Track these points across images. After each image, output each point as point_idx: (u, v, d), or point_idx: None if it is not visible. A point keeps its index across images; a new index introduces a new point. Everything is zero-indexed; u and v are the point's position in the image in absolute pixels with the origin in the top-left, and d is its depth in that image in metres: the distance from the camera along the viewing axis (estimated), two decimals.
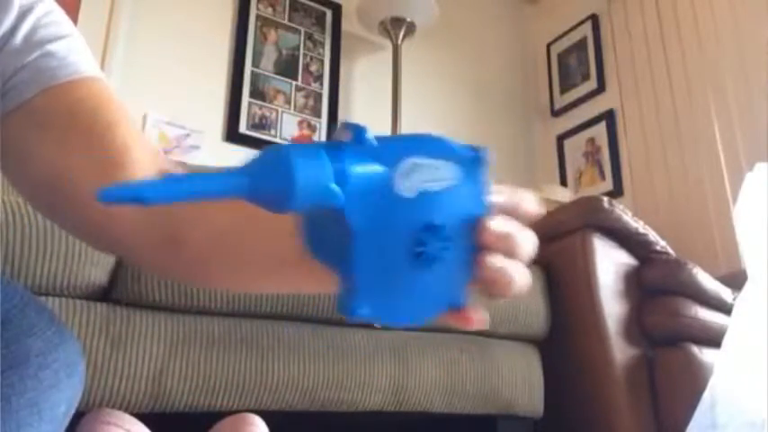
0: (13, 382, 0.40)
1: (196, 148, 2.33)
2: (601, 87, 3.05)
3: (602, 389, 1.38)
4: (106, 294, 1.01)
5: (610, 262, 1.46)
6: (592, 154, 3.03)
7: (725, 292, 1.53)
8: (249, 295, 1.09)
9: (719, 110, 2.52)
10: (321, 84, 2.72)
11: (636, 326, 1.44)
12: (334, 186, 0.28)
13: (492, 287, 0.33)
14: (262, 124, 2.52)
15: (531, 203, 0.35)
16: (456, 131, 3.03)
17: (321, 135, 2.65)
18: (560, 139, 3.20)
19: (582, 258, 1.43)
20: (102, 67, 2.20)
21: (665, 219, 2.54)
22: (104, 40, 2.24)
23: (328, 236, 0.32)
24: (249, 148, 2.45)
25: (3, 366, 0.40)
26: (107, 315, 0.99)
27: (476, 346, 1.30)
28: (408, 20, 2.71)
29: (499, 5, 3.46)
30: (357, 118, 2.79)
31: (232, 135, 2.44)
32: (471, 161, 0.33)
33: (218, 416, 0.98)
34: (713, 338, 1.38)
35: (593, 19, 3.17)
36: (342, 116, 2.74)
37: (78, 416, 0.85)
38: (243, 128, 2.47)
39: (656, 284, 1.47)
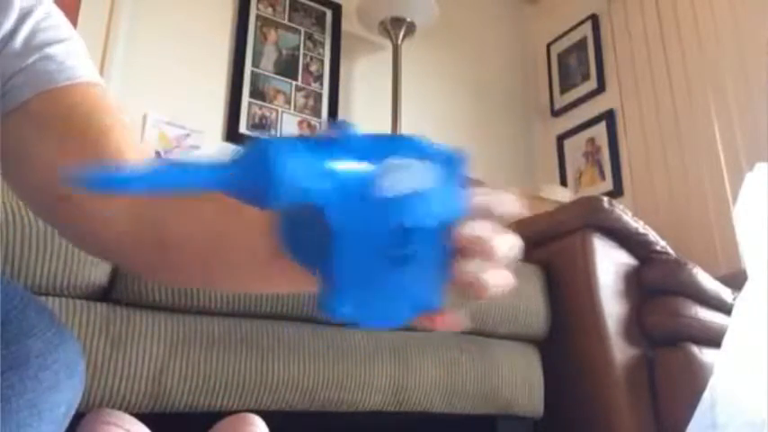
0: (13, 382, 0.40)
1: (196, 148, 2.33)
2: (601, 87, 3.05)
3: (602, 389, 1.38)
4: (106, 294, 1.01)
5: (610, 262, 1.46)
6: (592, 154, 3.03)
7: (725, 292, 1.53)
8: (249, 295, 1.09)
9: (719, 110, 2.52)
10: (321, 84, 2.72)
11: (636, 326, 1.44)
12: (314, 183, 0.29)
13: (466, 290, 0.33)
14: (262, 124, 2.52)
15: (511, 204, 0.34)
16: (456, 131, 3.03)
17: None
18: (560, 139, 3.20)
19: (582, 258, 1.43)
20: (102, 67, 2.20)
21: (665, 219, 2.54)
22: (104, 40, 2.24)
23: (306, 234, 0.32)
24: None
25: (3, 367, 0.40)
26: (107, 315, 0.99)
27: (476, 346, 1.30)
28: (408, 20, 2.71)
29: (499, 5, 3.46)
30: (357, 118, 2.79)
31: (232, 135, 2.44)
32: (449, 163, 0.33)
33: (218, 416, 0.98)
34: (713, 338, 1.38)
35: (593, 19, 3.17)
36: (342, 116, 2.74)
37: (78, 416, 0.85)
38: (243, 128, 2.47)
39: (656, 284, 1.47)
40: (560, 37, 3.32)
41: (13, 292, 0.44)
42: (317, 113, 2.67)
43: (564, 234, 1.48)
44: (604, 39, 3.11)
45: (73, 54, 0.53)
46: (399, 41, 2.74)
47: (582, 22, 3.22)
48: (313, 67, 2.73)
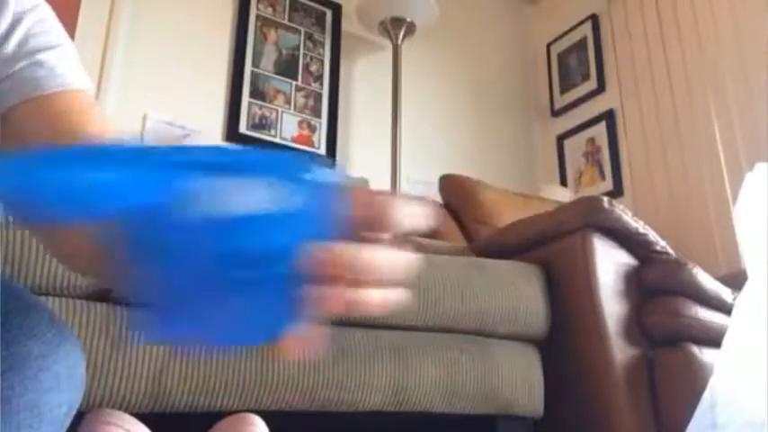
0: (14, 383, 0.40)
1: None
2: (601, 87, 3.05)
3: (602, 389, 1.38)
4: (106, 294, 1.01)
5: (610, 262, 1.46)
6: (592, 154, 3.03)
7: (725, 292, 1.53)
8: None
9: (719, 110, 2.52)
10: (321, 84, 2.72)
11: (636, 326, 1.44)
12: (98, 201, 0.26)
13: (327, 312, 0.30)
14: (262, 124, 2.52)
15: (410, 217, 0.31)
16: (456, 131, 3.03)
17: (321, 135, 2.65)
18: (560, 139, 3.20)
19: (582, 258, 1.43)
20: (102, 67, 2.20)
21: (665, 219, 2.54)
22: (104, 40, 2.24)
23: (119, 251, 0.29)
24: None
25: (3, 368, 0.40)
26: (107, 315, 0.99)
27: (476, 346, 1.30)
28: (408, 20, 2.71)
29: (499, 5, 3.46)
30: (357, 118, 2.80)
31: (232, 135, 2.44)
32: (312, 182, 0.30)
33: (218, 416, 0.98)
34: (713, 338, 1.38)
35: (593, 19, 3.17)
36: (342, 116, 2.74)
37: (78, 416, 0.85)
38: (243, 128, 2.47)
39: (656, 284, 1.47)
40: (560, 37, 3.32)
41: (13, 292, 0.44)
42: (317, 113, 2.67)
43: (564, 234, 1.48)
44: (604, 39, 3.11)
45: (63, 61, 0.53)
46: (399, 41, 2.74)
47: (582, 22, 3.22)
48: (313, 67, 2.73)
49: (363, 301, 0.30)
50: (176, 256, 0.28)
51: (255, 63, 2.58)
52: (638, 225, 1.49)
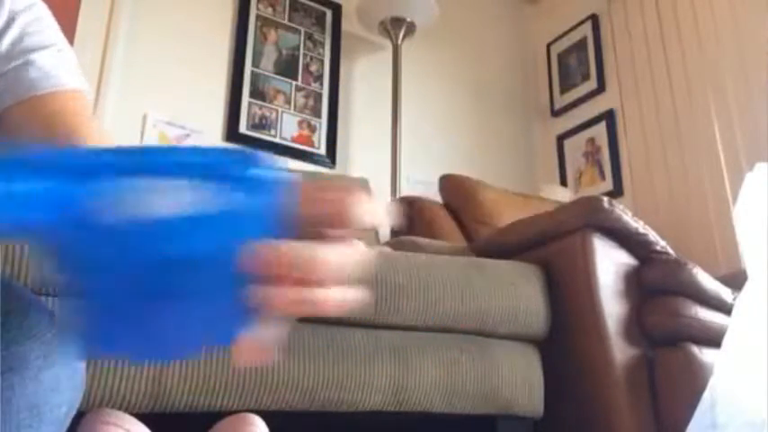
0: (14, 383, 0.40)
1: None
2: (601, 87, 3.05)
3: (602, 389, 1.38)
4: None
5: (610, 262, 1.46)
6: (592, 154, 3.03)
7: (725, 292, 1.53)
8: None
9: (719, 110, 2.52)
10: (321, 84, 2.72)
11: (636, 326, 1.44)
12: (28, 212, 0.24)
13: (277, 313, 0.29)
14: (262, 124, 2.52)
15: (359, 210, 0.29)
16: (456, 131, 3.03)
17: (321, 135, 2.65)
18: (560, 139, 3.20)
19: (582, 258, 1.43)
20: (102, 67, 2.20)
21: (665, 219, 2.54)
22: (104, 40, 2.24)
23: (49, 264, 0.27)
24: (249, 148, 2.45)
25: (3, 368, 0.40)
26: None
27: (476, 346, 1.30)
28: (408, 20, 2.71)
29: (499, 5, 3.46)
30: (357, 118, 2.80)
31: (232, 135, 2.44)
32: (254, 181, 0.28)
33: (218, 416, 0.98)
34: (713, 338, 1.38)
35: (593, 19, 3.17)
36: (342, 116, 2.74)
37: (78, 416, 0.85)
38: (243, 128, 2.47)
39: (656, 284, 1.47)
40: (560, 37, 3.32)
41: (13, 292, 0.44)
42: (317, 113, 2.67)
43: (564, 234, 1.48)
44: (604, 39, 3.11)
45: (58, 60, 0.53)
46: (399, 41, 2.74)
47: (582, 22, 3.22)
48: (313, 67, 2.73)
49: (315, 301, 0.28)
50: (101, 266, 0.26)
51: (255, 63, 2.58)
52: (638, 225, 1.49)
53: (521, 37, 3.47)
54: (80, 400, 0.47)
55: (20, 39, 0.52)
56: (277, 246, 0.28)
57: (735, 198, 1.70)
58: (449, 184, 2.39)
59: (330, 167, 2.62)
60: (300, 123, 2.62)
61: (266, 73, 2.60)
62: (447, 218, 2.26)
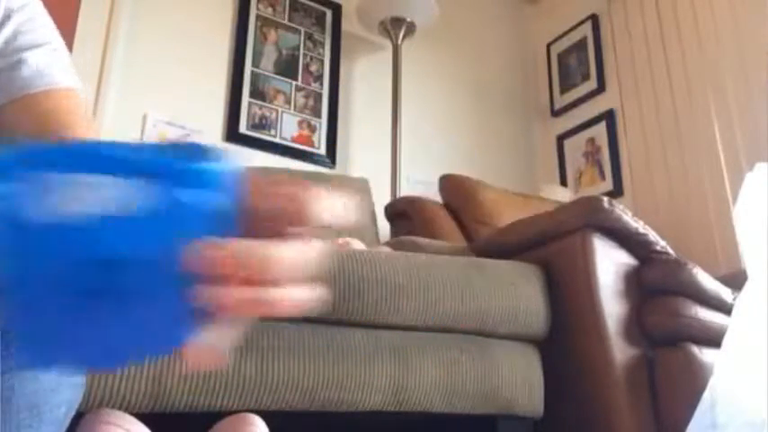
0: (14, 384, 0.40)
1: None
2: (601, 87, 3.05)
3: (602, 389, 1.38)
4: None
5: (610, 262, 1.46)
6: (592, 154, 3.03)
7: (725, 292, 1.53)
8: None
9: (719, 110, 2.52)
10: (321, 84, 2.72)
11: (636, 326, 1.44)
12: None
13: (232, 316, 0.27)
14: (262, 124, 2.52)
15: (317, 206, 0.27)
16: (456, 131, 3.03)
17: (321, 135, 2.65)
18: (560, 139, 3.20)
19: (582, 258, 1.43)
20: (102, 67, 2.20)
21: (665, 219, 2.54)
22: (104, 40, 2.24)
23: None
24: (249, 148, 2.45)
25: (3, 368, 0.40)
26: None
27: (476, 346, 1.30)
28: (408, 20, 2.71)
29: (499, 5, 3.46)
30: (357, 118, 2.80)
31: (232, 135, 2.44)
32: (199, 175, 0.26)
33: (218, 416, 0.98)
34: (713, 338, 1.38)
35: (593, 19, 3.17)
36: (342, 116, 2.74)
37: (78, 416, 0.85)
38: (243, 128, 2.47)
39: (656, 284, 1.47)
40: (560, 37, 3.32)
41: None
42: (317, 113, 2.67)
43: (564, 234, 1.48)
44: (604, 39, 3.11)
45: (51, 59, 0.53)
46: (399, 41, 2.74)
47: (582, 22, 3.22)
48: (313, 67, 2.73)
49: (269, 301, 0.27)
50: (25, 266, 0.24)
51: (255, 63, 2.58)
52: (638, 225, 1.49)
53: (521, 37, 3.47)
54: (79, 401, 0.47)
55: (13, 37, 0.52)
56: (224, 244, 0.26)
57: (735, 198, 1.70)
58: (449, 184, 2.39)
59: (330, 167, 2.62)
60: (300, 123, 2.62)
61: (266, 73, 2.60)
62: (447, 218, 2.26)
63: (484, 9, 3.37)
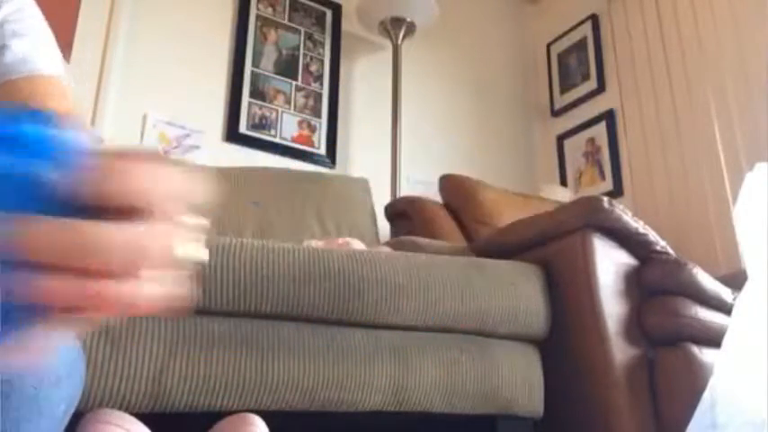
0: (13, 379, 0.40)
1: (196, 148, 2.33)
2: (601, 87, 3.05)
3: (601, 389, 1.38)
4: None
5: (610, 262, 1.46)
6: (592, 154, 3.03)
7: (725, 292, 1.53)
8: (249, 295, 1.09)
9: (719, 110, 2.52)
10: (321, 84, 2.72)
11: (636, 326, 1.44)
12: None
13: (60, 312, 0.23)
14: (262, 124, 2.52)
15: (159, 181, 0.23)
16: (456, 131, 3.03)
17: (321, 135, 2.65)
18: (560, 139, 3.20)
19: (582, 258, 1.43)
20: (102, 66, 2.20)
21: (665, 219, 2.54)
22: (104, 40, 2.24)
23: None
24: (249, 148, 2.45)
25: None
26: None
27: (476, 346, 1.30)
28: (408, 20, 2.71)
29: (499, 5, 3.46)
30: (357, 118, 2.80)
31: (232, 135, 2.44)
32: (19, 139, 0.22)
33: (218, 416, 0.98)
34: (713, 338, 1.38)
35: (593, 19, 3.17)
36: (342, 116, 2.74)
37: (78, 416, 0.85)
38: (243, 128, 2.47)
39: (656, 284, 1.47)
40: (560, 37, 3.32)
41: None
42: (317, 113, 2.67)
43: (564, 234, 1.48)
44: (604, 39, 3.11)
45: (35, 48, 0.53)
46: (399, 41, 2.74)
47: (582, 22, 3.22)
48: (313, 67, 2.73)
49: (103, 297, 0.22)
50: None
51: (255, 63, 2.58)
52: (638, 225, 1.49)
53: (521, 37, 3.47)
54: (79, 398, 0.47)
55: (1, 26, 0.52)
56: (49, 224, 0.21)
57: (735, 198, 1.70)
58: (449, 184, 2.39)
59: (330, 167, 2.62)
60: (300, 123, 2.62)
61: (266, 73, 2.60)
62: (447, 218, 2.26)
63: (484, 9, 3.37)
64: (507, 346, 1.35)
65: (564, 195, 2.70)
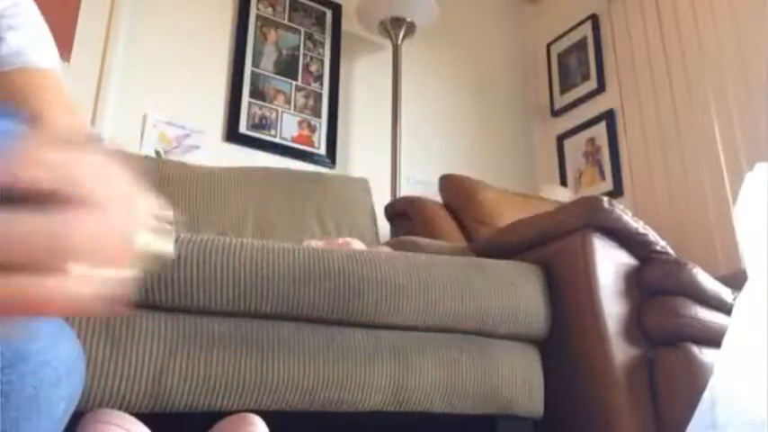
0: (13, 379, 0.40)
1: (196, 148, 2.33)
2: (601, 87, 3.05)
3: (601, 389, 1.38)
4: None
5: (610, 262, 1.46)
6: (592, 154, 3.03)
7: (725, 292, 1.53)
8: (249, 295, 1.09)
9: (719, 110, 2.52)
10: (321, 84, 2.72)
11: (636, 326, 1.44)
12: None
13: None
14: (262, 124, 2.52)
15: (87, 171, 0.21)
16: (456, 131, 3.03)
17: (321, 135, 2.65)
18: (560, 139, 3.20)
19: (582, 258, 1.43)
20: (102, 67, 2.20)
21: (665, 219, 2.54)
22: (104, 40, 2.24)
23: None
24: (249, 148, 2.45)
25: (2, 363, 0.40)
26: (107, 315, 0.99)
27: (476, 346, 1.30)
28: (408, 20, 2.71)
29: (499, 5, 3.46)
30: (357, 118, 2.80)
31: (232, 135, 2.44)
32: None
33: (218, 416, 0.98)
34: (713, 338, 1.38)
35: (593, 19, 3.17)
36: (342, 116, 2.74)
37: (78, 416, 0.85)
38: (243, 128, 2.47)
39: (656, 284, 1.47)
40: (560, 37, 3.32)
41: None
42: (317, 113, 2.67)
43: (564, 234, 1.48)
44: (604, 39, 3.11)
45: (30, 41, 0.53)
46: (399, 41, 2.74)
47: (582, 22, 3.22)
48: (313, 67, 2.73)
49: (28, 295, 0.20)
50: None
51: (255, 63, 2.58)
52: (638, 225, 1.49)
53: (521, 37, 3.47)
54: (79, 398, 0.47)
55: None
56: None
57: (735, 198, 1.70)
58: (449, 184, 2.39)
59: (330, 167, 2.62)
60: (300, 123, 2.62)
61: (266, 73, 2.60)
62: (447, 218, 2.26)
63: (484, 9, 3.37)
64: (507, 346, 1.35)
65: (564, 195, 2.70)
